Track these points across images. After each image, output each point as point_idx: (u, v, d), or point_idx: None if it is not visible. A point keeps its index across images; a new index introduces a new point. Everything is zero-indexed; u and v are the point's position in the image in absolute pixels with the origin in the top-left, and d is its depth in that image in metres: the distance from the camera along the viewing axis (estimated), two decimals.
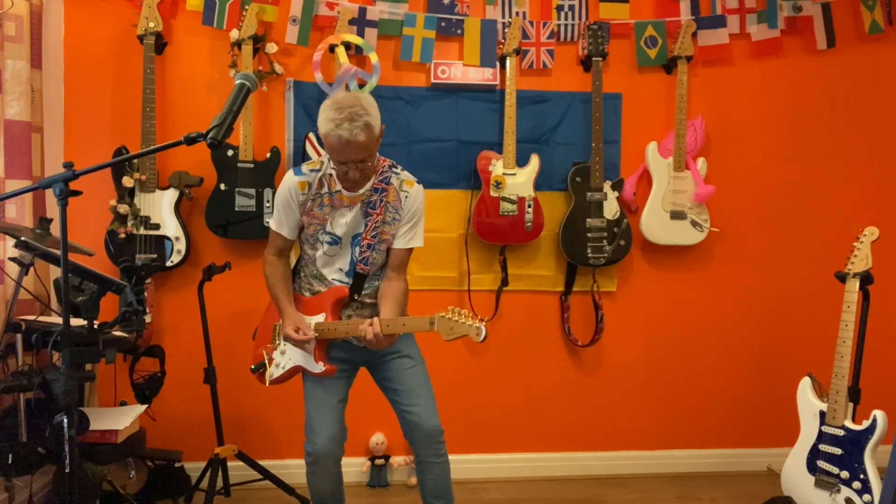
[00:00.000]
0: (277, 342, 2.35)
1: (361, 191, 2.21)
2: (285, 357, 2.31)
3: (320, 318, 2.24)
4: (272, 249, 2.33)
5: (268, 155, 3.12)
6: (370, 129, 2.05)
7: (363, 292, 2.28)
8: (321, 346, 2.25)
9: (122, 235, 2.95)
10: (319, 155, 3.13)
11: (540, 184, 3.28)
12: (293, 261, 2.43)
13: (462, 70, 3.25)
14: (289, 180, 2.23)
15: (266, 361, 2.35)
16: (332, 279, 2.28)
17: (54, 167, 3.02)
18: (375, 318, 2.12)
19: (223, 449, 2.90)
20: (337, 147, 2.05)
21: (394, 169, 2.26)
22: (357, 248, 2.24)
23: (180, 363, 3.09)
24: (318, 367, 2.24)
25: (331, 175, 2.22)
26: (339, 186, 2.21)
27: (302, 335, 2.19)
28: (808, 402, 2.71)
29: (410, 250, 2.30)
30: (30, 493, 2.65)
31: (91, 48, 3.11)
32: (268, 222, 3.07)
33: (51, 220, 2.50)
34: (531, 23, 3.30)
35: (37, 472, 2.56)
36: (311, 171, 2.23)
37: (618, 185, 3.30)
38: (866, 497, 2.46)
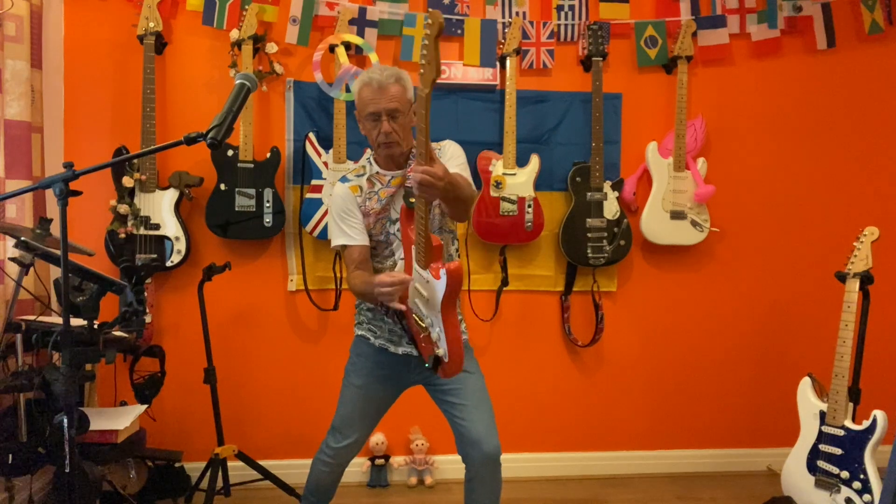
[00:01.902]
0: (423, 325, 2.13)
1: (410, 166, 2.15)
2: (434, 327, 2.07)
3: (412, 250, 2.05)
4: (352, 266, 2.20)
5: (268, 155, 3.12)
6: (401, 81, 2.08)
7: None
8: (431, 268, 2.00)
9: (122, 235, 2.96)
10: (320, 156, 3.14)
11: (540, 184, 3.28)
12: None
13: (462, 70, 3.25)
14: (340, 190, 2.20)
15: (434, 348, 2.12)
16: (399, 259, 2.18)
17: (54, 167, 3.03)
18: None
19: (223, 449, 2.90)
20: (369, 96, 2.06)
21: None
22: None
23: (180, 363, 3.09)
24: (443, 278, 1.94)
25: (377, 172, 2.20)
26: (388, 175, 2.17)
27: (391, 277, 2.00)
28: (808, 402, 2.71)
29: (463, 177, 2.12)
30: (30, 493, 2.65)
31: (91, 48, 3.11)
32: (267, 221, 3.08)
33: (51, 220, 2.50)
34: (531, 23, 3.30)
35: (37, 472, 2.56)
36: (358, 175, 2.22)
37: (618, 185, 3.30)
38: (866, 497, 2.46)
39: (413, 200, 2.03)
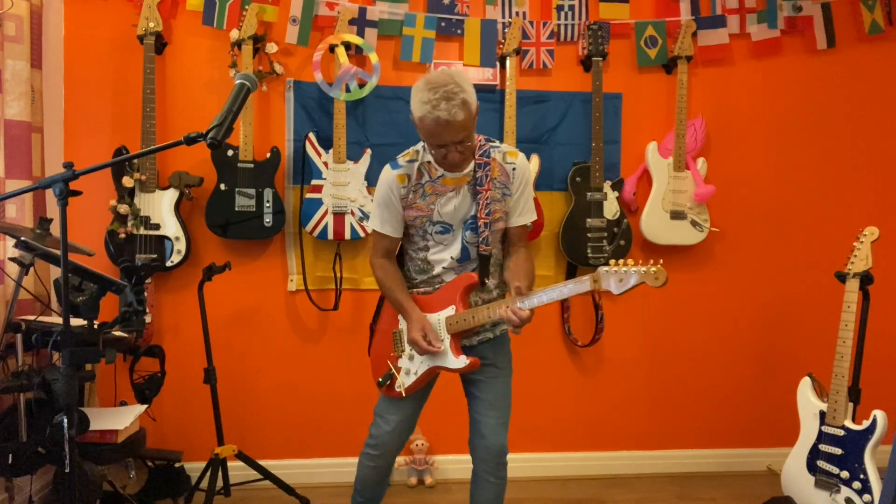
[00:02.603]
0: (401, 348, 2.19)
1: (465, 171, 2.10)
2: (416, 361, 2.14)
3: (450, 310, 2.09)
4: (379, 252, 2.20)
5: (268, 155, 3.12)
6: (467, 106, 1.93)
7: (490, 275, 2.14)
8: (456, 338, 2.11)
9: (122, 235, 2.96)
10: (320, 156, 3.14)
11: (540, 184, 3.28)
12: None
13: (462, 70, 3.25)
14: (387, 176, 2.12)
15: (393, 371, 2.16)
16: (442, 268, 2.15)
17: (54, 167, 3.02)
18: (518, 295, 1.94)
19: (223, 449, 2.90)
20: (435, 129, 1.94)
21: (491, 142, 2.14)
22: (469, 232, 2.12)
23: (180, 363, 3.09)
24: (461, 362, 2.08)
25: (429, 162, 2.10)
26: (440, 172, 2.10)
27: (429, 344, 2.07)
28: (808, 402, 2.71)
29: (526, 226, 2.19)
30: (30, 493, 2.65)
31: (91, 48, 3.11)
32: (267, 221, 3.08)
33: (51, 220, 2.50)
34: (531, 23, 3.30)
35: (37, 472, 2.56)
36: (409, 161, 2.12)
37: (618, 185, 3.30)
38: (866, 497, 2.46)
39: (487, 283, 2.13)
